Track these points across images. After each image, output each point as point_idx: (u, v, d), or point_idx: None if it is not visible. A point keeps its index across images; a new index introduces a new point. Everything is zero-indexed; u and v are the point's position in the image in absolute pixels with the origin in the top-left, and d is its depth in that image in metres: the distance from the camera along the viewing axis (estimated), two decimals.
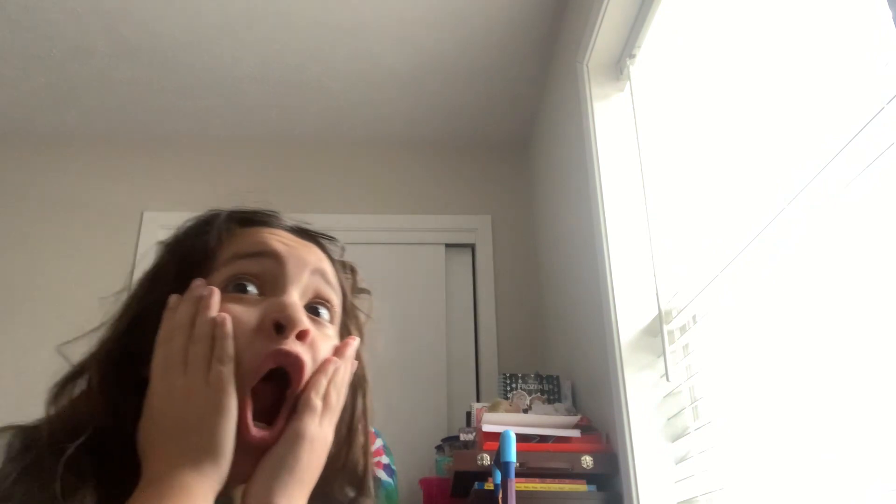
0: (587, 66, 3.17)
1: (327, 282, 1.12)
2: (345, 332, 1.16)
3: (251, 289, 1.06)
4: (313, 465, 0.98)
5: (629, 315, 2.68)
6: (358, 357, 1.15)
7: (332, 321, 1.12)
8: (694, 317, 2.39)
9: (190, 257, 1.12)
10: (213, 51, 3.99)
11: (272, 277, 1.07)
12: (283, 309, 1.00)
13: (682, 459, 2.40)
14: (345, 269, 1.23)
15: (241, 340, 0.98)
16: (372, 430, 1.19)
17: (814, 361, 1.71)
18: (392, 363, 4.15)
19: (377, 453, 2.92)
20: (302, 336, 1.00)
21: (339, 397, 1.05)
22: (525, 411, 3.03)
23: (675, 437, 2.44)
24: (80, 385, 1.09)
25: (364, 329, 1.23)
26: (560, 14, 3.67)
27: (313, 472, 0.99)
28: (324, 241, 1.22)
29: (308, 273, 1.09)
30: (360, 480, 1.14)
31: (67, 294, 4.31)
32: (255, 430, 0.96)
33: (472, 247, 4.58)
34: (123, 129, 4.70)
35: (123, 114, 4.54)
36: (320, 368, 1.03)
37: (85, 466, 0.94)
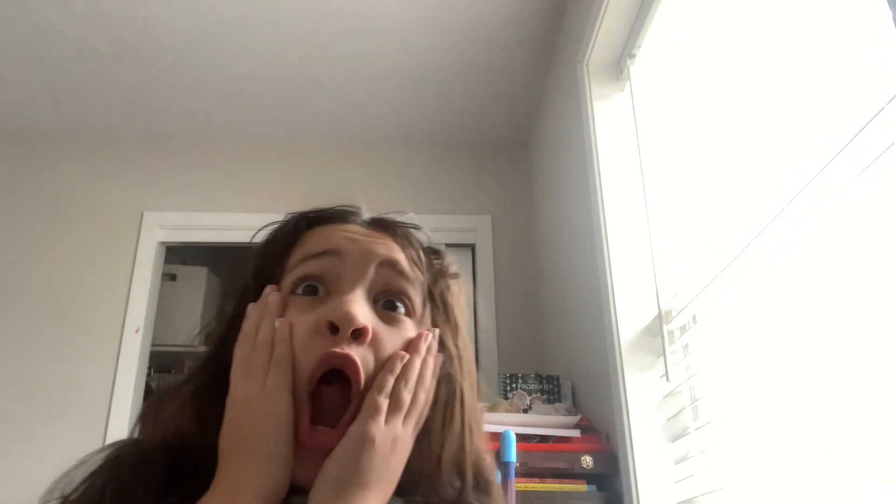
0: (587, 66, 3.17)
1: (400, 272, 1.07)
2: (434, 323, 1.11)
3: (320, 291, 1.04)
4: (381, 466, 0.94)
5: (629, 315, 2.68)
6: (446, 347, 1.10)
7: (410, 314, 1.07)
8: (694, 317, 2.39)
9: (266, 265, 1.13)
10: (213, 51, 3.99)
11: (336, 276, 1.05)
12: (338, 308, 0.97)
13: (682, 459, 2.40)
14: (431, 255, 1.17)
15: (299, 344, 0.98)
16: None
17: (814, 361, 1.71)
18: None
19: None
20: (358, 335, 0.97)
21: (413, 393, 1.00)
22: (525, 411, 3.03)
23: (675, 437, 2.44)
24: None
25: (458, 316, 1.17)
26: (560, 14, 3.67)
27: (382, 474, 0.95)
28: (404, 230, 1.16)
29: (374, 267, 1.06)
30: (462, 473, 1.05)
31: (67, 293, 4.32)
32: (313, 435, 0.95)
33: (473, 247, 4.57)
34: (124, 129, 4.70)
35: (124, 114, 4.54)
36: (386, 366, 0.99)
37: (169, 480, 0.95)
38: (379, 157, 4.78)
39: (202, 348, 1.11)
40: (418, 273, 1.10)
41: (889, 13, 1.34)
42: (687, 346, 2.46)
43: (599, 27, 2.97)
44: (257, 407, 0.95)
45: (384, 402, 0.96)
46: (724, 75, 2.30)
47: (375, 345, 1.00)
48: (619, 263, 2.77)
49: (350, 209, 1.19)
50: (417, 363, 1.02)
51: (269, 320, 1.00)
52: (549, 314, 4.10)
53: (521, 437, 2.57)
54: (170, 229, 4.59)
